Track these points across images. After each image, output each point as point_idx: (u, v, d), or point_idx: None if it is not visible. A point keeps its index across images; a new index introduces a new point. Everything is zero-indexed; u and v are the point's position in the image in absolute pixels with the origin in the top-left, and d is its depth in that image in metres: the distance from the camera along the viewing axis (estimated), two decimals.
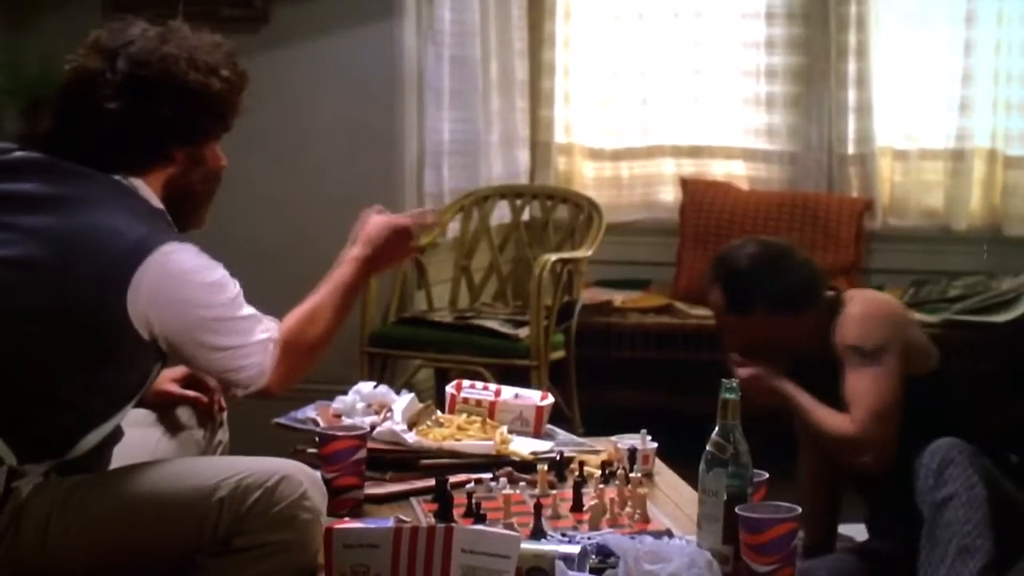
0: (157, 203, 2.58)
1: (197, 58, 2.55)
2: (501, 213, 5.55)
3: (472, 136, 5.51)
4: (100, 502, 2.43)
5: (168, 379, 2.92)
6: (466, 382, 3.41)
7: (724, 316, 3.55)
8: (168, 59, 2.53)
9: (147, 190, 2.57)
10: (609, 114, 5.90)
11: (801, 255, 3.61)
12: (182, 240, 2.51)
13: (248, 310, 2.62)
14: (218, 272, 2.55)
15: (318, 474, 2.56)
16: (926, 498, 3.11)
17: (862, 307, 3.47)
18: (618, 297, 5.47)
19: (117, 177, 2.53)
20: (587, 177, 5.93)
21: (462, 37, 5.43)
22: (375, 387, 3.33)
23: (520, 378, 4.59)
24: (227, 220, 5.38)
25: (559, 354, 5.05)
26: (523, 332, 4.88)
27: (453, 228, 5.41)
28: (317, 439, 2.85)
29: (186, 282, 2.48)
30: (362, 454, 2.82)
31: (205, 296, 2.51)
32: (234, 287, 2.59)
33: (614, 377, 5.41)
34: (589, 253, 5.18)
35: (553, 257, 5.00)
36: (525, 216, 5.56)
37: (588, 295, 5.37)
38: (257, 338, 2.59)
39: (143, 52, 2.53)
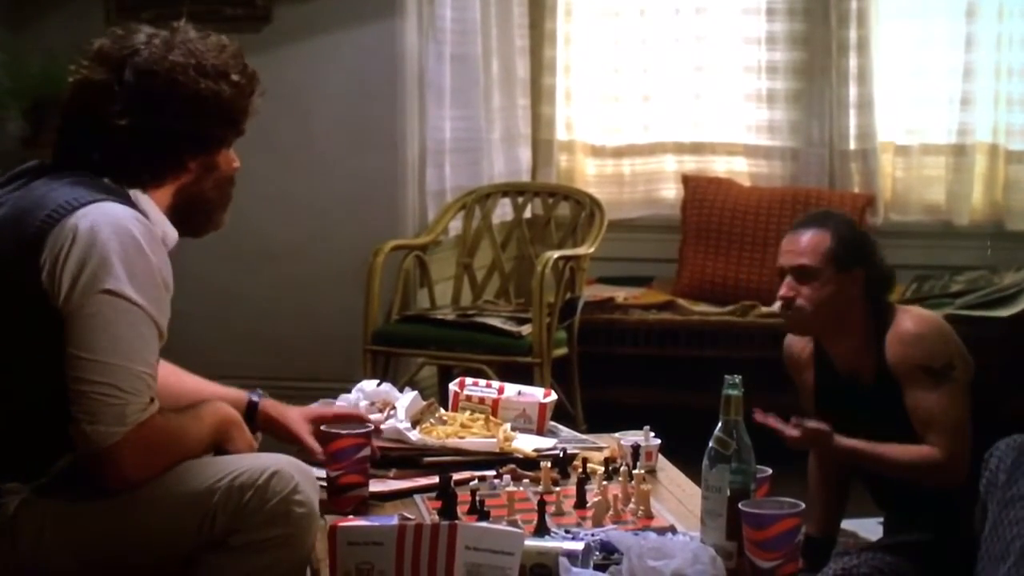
0: (153, 209, 2.51)
1: (205, 64, 2.49)
2: (503, 211, 5.56)
3: (474, 134, 5.51)
4: (96, 511, 2.39)
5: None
6: (469, 379, 3.41)
7: (819, 262, 3.45)
8: (176, 68, 2.46)
9: (145, 199, 2.50)
10: (610, 111, 5.91)
11: None
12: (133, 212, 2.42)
13: (149, 352, 2.39)
14: (150, 261, 2.40)
15: (309, 467, 2.51)
16: (996, 493, 3.05)
17: (918, 325, 3.44)
18: (620, 294, 5.48)
19: (107, 182, 2.46)
20: (589, 174, 5.94)
21: (463, 35, 5.44)
22: (378, 385, 3.32)
23: (523, 375, 4.59)
24: (231, 218, 5.43)
25: (562, 351, 5.06)
26: (526, 329, 4.88)
27: (455, 226, 5.42)
28: (322, 437, 2.83)
29: (102, 239, 2.35)
30: (366, 452, 2.80)
31: (117, 264, 2.35)
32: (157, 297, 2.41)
33: (617, 374, 5.41)
34: (591, 250, 5.18)
35: (555, 254, 5.00)
36: (527, 213, 5.57)
37: (590, 292, 5.38)
38: (138, 374, 2.35)
39: (150, 62, 2.46)
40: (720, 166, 5.84)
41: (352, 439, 2.78)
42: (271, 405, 2.88)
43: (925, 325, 3.46)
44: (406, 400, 3.15)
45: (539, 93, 5.89)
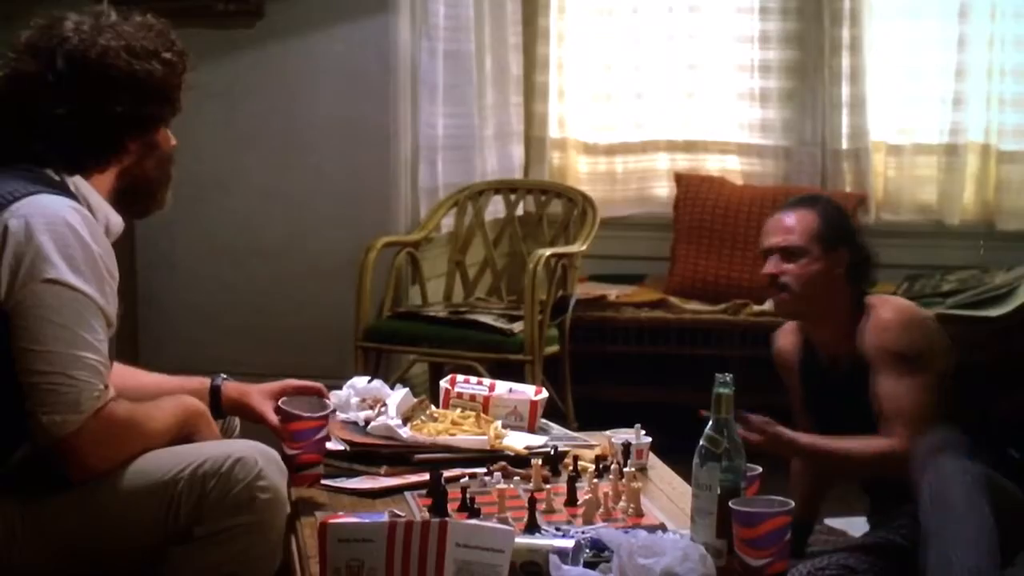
0: (95, 197, 2.52)
1: (135, 45, 2.50)
2: (495, 208, 5.55)
3: (466, 131, 5.50)
4: (62, 505, 2.39)
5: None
6: (460, 377, 3.41)
7: (806, 241, 3.48)
8: (108, 52, 2.48)
9: (86, 187, 2.51)
10: (603, 109, 5.92)
11: None
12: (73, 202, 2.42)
13: (98, 339, 2.38)
14: (90, 249, 2.39)
15: (274, 452, 2.51)
16: (928, 520, 3.05)
17: (896, 313, 3.46)
18: (612, 292, 5.48)
19: (50, 172, 2.47)
20: (581, 172, 5.95)
21: (456, 32, 5.43)
22: (369, 382, 3.33)
23: (514, 373, 4.59)
24: (223, 214, 5.45)
25: (553, 349, 5.05)
26: (517, 327, 4.88)
27: (447, 223, 5.41)
28: (280, 416, 2.81)
29: (37, 232, 2.35)
30: (324, 432, 2.83)
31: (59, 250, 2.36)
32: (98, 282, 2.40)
33: (608, 372, 5.42)
34: (583, 248, 5.18)
35: (547, 252, 4.99)
36: (519, 211, 5.56)
37: (582, 290, 5.38)
38: (89, 362, 2.35)
39: (80, 49, 2.47)
40: (713, 164, 5.85)
41: (312, 422, 2.80)
42: (233, 387, 2.87)
43: (902, 313, 3.47)
44: (397, 397, 3.16)
45: (532, 90, 5.90)
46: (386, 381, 3.42)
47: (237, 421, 2.95)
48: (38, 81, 2.46)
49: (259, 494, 2.40)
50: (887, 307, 3.47)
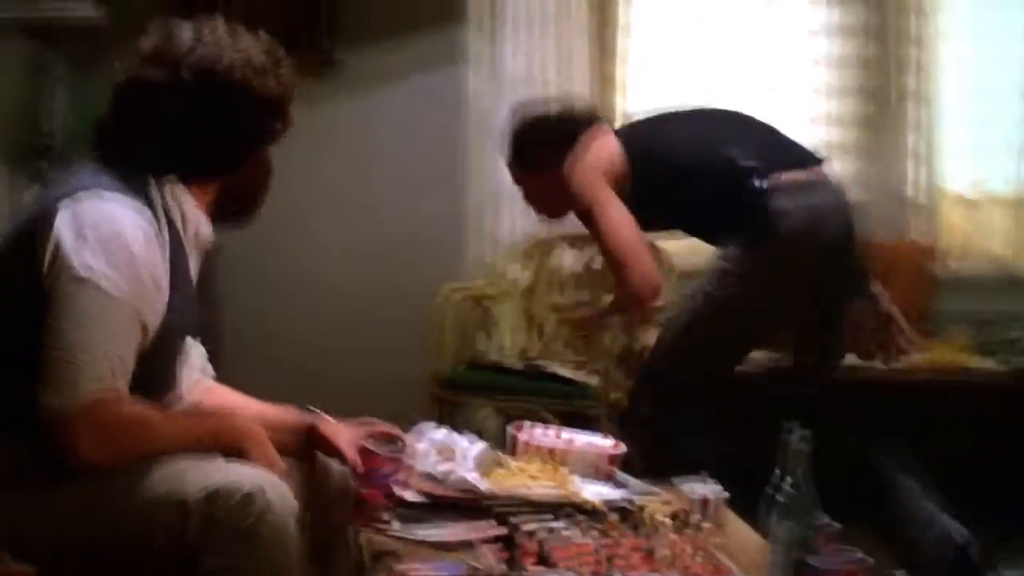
0: (188, 206, 2.56)
1: (255, 61, 2.54)
2: (568, 259, 5.56)
3: None
4: (70, 501, 2.38)
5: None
6: (537, 428, 3.42)
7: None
8: (234, 67, 2.52)
9: (183, 194, 2.55)
10: None
11: None
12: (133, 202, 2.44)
13: (121, 338, 2.40)
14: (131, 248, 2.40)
15: (284, 486, 2.47)
16: None
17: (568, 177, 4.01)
18: None
19: (144, 176, 2.50)
20: None
21: (526, 83, 5.46)
22: (442, 432, 3.34)
23: (587, 424, 4.59)
24: (296, 262, 5.50)
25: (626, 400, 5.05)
26: (591, 378, 4.89)
27: (519, 273, 5.43)
28: (362, 453, 2.87)
29: (83, 228, 2.39)
30: (393, 472, 2.91)
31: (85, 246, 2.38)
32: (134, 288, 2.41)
33: (681, 423, 5.39)
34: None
35: None
36: (595, 263, 5.57)
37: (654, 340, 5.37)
38: (98, 353, 2.35)
39: (207, 61, 2.51)
40: None
41: (388, 463, 2.89)
42: (324, 423, 2.91)
43: (569, 175, 3.99)
44: (471, 448, 3.17)
45: None
46: (459, 431, 3.43)
47: (336, 464, 2.95)
48: (161, 90, 2.50)
49: (265, 531, 2.36)
50: None
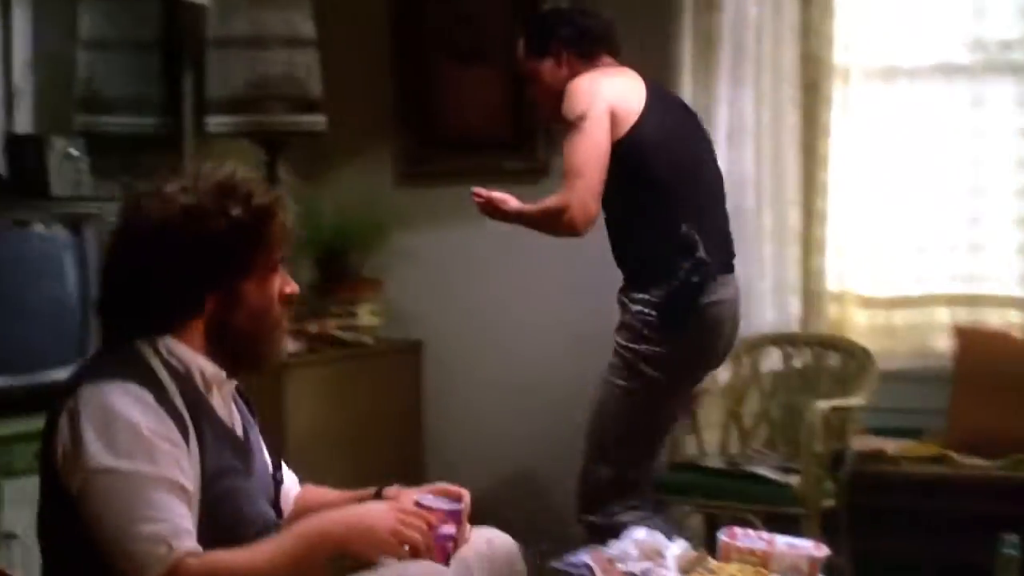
0: (183, 351, 2.58)
1: (200, 205, 2.55)
2: (772, 360, 5.59)
3: (744, 283, 5.55)
4: None
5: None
6: (739, 529, 3.45)
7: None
8: (170, 211, 2.55)
9: (175, 344, 2.57)
10: (882, 262, 5.89)
11: None
12: (131, 382, 2.46)
13: (154, 507, 2.39)
14: (140, 423, 2.43)
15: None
16: None
17: (571, 85, 4.13)
18: (890, 445, 5.43)
19: (141, 342, 2.56)
20: (859, 324, 5.91)
21: (737, 187, 5.51)
22: (646, 531, 3.39)
23: (791, 526, 4.60)
24: (505, 358, 5.63)
25: (830, 503, 5.04)
26: (794, 480, 4.89)
27: (724, 375, 5.47)
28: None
29: (81, 420, 2.42)
30: (450, 531, 2.70)
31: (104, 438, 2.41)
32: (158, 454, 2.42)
33: (886, 527, 5.35)
34: (861, 401, 5.17)
35: (825, 404, 5.00)
36: (796, 363, 5.59)
37: (860, 443, 5.34)
38: (145, 533, 2.36)
39: (149, 208, 2.57)
40: (994, 318, 5.77)
41: (442, 515, 2.68)
42: (392, 491, 2.84)
43: (572, 83, 4.14)
44: (675, 549, 3.22)
45: (811, 244, 5.92)
46: (663, 532, 3.48)
47: None
48: (116, 246, 2.62)
49: None
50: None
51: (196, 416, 2.52)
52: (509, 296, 5.69)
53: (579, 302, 5.58)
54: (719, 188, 4.52)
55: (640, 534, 3.38)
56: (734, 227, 5.46)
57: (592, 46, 4.29)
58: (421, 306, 5.82)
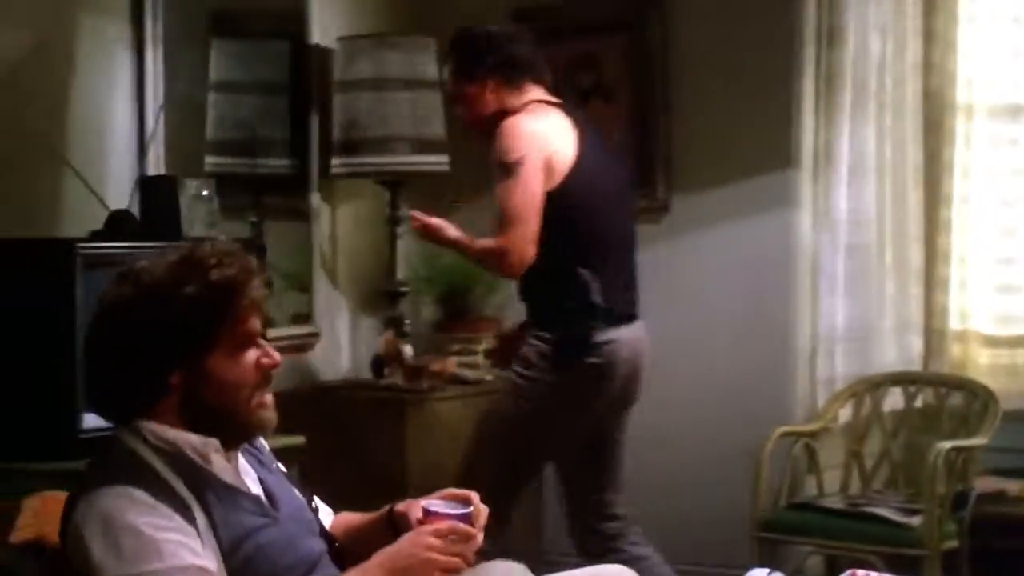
0: (167, 433, 2.54)
1: (149, 290, 2.53)
2: (894, 400, 5.56)
3: (866, 323, 5.56)
4: None
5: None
6: (861, 572, 3.44)
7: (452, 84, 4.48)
8: (131, 294, 2.54)
9: (157, 428, 2.54)
10: (1005, 301, 5.84)
11: None
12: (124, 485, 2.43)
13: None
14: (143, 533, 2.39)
15: None
16: None
17: (505, 124, 4.17)
18: (1013, 487, 5.37)
19: (125, 433, 2.54)
20: (982, 364, 5.85)
21: (858, 225, 5.52)
22: (768, 575, 3.38)
23: (912, 567, 4.58)
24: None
25: (952, 544, 5.00)
26: (915, 520, 4.86)
27: (845, 414, 5.46)
28: (424, 515, 2.66)
29: (85, 538, 2.40)
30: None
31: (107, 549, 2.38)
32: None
33: (1007, 569, 5.29)
34: (984, 441, 5.13)
35: (948, 445, 4.97)
36: (918, 403, 5.55)
37: (982, 484, 5.30)
38: None
39: (103, 295, 2.57)
40: None
41: (449, 519, 2.63)
42: (400, 503, 2.80)
43: (507, 125, 4.15)
44: None
45: (933, 281, 5.88)
46: (782, 572, 3.48)
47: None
48: (88, 331, 2.60)
49: None
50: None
51: (199, 492, 2.49)
52: None
53: (697, 345, 5.60)
54: (630, 237, 4.54)
55: (759, 574, 3.37)
56: (856, 264, 5.50)
57: (519, 75, 4.33)
58: None
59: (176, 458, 2.51)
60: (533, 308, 4.40)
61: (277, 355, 2.62)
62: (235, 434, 2.60)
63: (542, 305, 4.34)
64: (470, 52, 4.38)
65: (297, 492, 2.80)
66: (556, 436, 4.37)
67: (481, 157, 4.38)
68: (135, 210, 4.12)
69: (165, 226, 4.08)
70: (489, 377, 5.55)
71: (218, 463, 2.56)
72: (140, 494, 2.41)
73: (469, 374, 5.49)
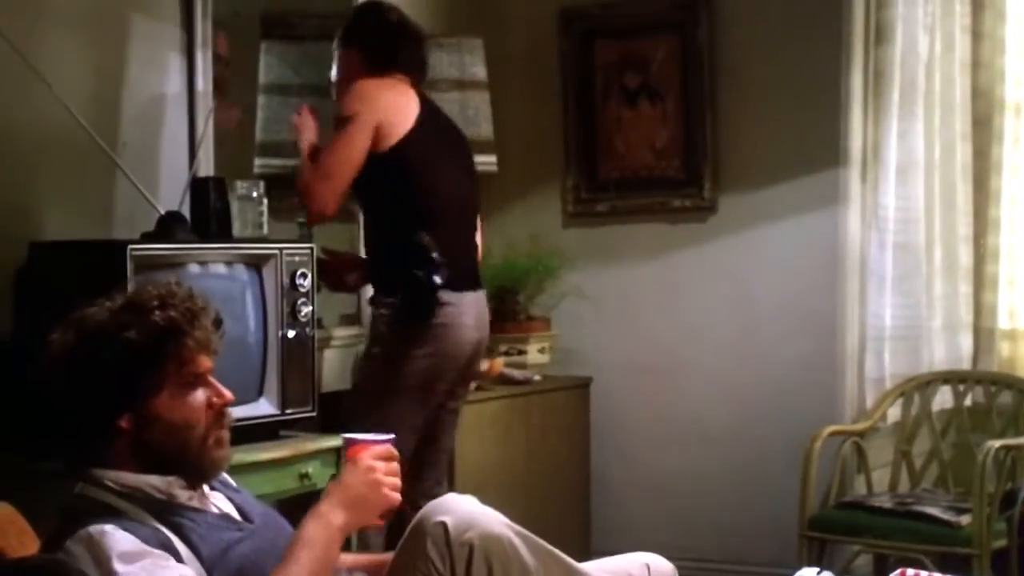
0: (126, 478, 2.56)
1: (89, 335, 2.55)
2: (943, 398, 5.54)
3: (914, 321, 5.55)
4: None
5: None
6: (910, 571, 3.43)
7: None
8: (65, 343, 2.56)
9: (115, 474, 2.55)
10: None
11: None
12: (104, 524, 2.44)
13: None
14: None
15: None
16: None
17: (353, 86, 4.29)
18: None
19: (86, 487, 2.56)
20: None
21: (906, 224, 5.51)
22: (818, 574, 3.38)
23: (960, 567, 4.57)
24: (671, 401, 5.68)
25: (1001, 543, 4.98)
26: (965, 519, 4.85)
27: (894, 413, 5.45)
28: (345, 444, 2.72)
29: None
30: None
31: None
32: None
33: None
34: None
35: (997, 444, 4.94)
36: (967, 402, 5.54)
37: None
38: None
39: (49, 350, 2.57)
40: None
41: (372, 447, 2.68)
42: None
43: (355, 84, 4.28)
44: None
45: (982, 280, 5.86)
46: (831, 572, 3.48)
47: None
48: (37, 376, 2.60)
49: None
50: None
51: (174, 524, 2.52)
52: (676, 335, 5.73)
53: (745, 345, 5.60)
54: (471, 216, 4.60)
55: (808, 574, 3.37)
56: (905, 262, 5.47)
57: (384, 64, 4.40)
58: (589, 344, 5.88)
59: (143, 500, 2.55)
60: (376, 273, 4.46)
61: (228, 394, 2.64)
62: (189, 474, 2.61)
63: (384, 269, 4.39)
64: (358, 21, 4.52)
65: (262, 503, 2.85)
66: (408, 406, 4.32)
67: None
68: (186, 212, 4.15)
69: (214, 226, 4.11)
70: (537, 377, 5.57)
71: (183, 495, 2.60)
72: (121, 533, 2.43)
73: (517, 374, 5.50)
